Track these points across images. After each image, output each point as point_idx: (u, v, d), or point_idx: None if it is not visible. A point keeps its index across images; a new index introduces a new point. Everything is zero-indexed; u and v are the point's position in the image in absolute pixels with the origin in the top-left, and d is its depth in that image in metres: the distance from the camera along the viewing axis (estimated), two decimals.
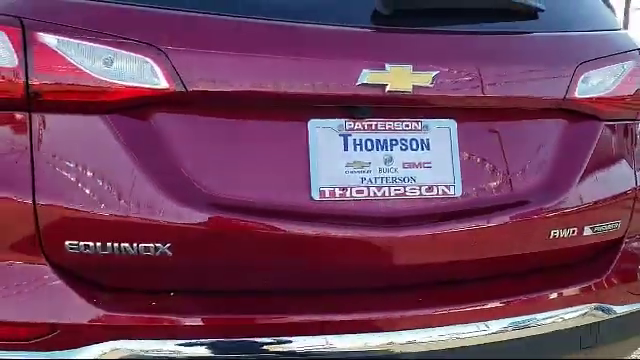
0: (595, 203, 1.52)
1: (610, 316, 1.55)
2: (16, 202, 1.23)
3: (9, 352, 1.25)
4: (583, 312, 1.52)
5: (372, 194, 1.36)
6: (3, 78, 1.22)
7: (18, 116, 1.23)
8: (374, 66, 1.30)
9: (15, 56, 1.21)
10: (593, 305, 1.53)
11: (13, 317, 1.25)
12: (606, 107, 1.55)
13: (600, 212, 1.54)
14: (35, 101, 1.22)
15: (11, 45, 1.21)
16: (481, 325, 1.40)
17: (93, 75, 1.22)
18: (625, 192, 1.59)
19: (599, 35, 1.60)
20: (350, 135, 1.36)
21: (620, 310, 1.56)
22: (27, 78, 1.21)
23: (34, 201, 1.23)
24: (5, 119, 1.24)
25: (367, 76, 1.30)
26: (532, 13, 1.50)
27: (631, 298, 1.60)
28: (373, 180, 1.36)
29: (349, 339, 1.30)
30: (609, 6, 1.68)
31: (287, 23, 1.32)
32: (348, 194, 1.34)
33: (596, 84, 1.52)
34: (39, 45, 1.21)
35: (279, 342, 1.28)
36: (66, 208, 1.24)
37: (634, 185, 1.61)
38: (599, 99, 1.53)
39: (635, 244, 1.66)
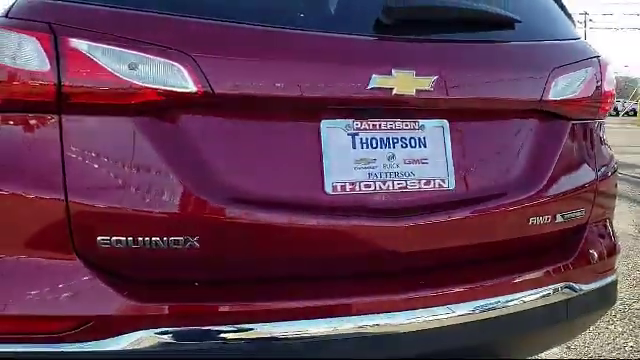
0: (565, 193, 1.70)
1: (578, 293, 1.74)
2: (49, 200, 1.28)
3: (43, 345, 1.29)
4: (555, 290, 1.69)
5: (378, 188, 1.48)
6: (35, 82, 1.26)
7: (50, 118, 1.28)
8: (382, 71, 1.43)
9: (47, 61, 1.26)
10: (563, 284, 1.71)
11: (46, 311, 1.29)
12: (573, 108, 1.74)
13: (569, 201, 1.72)
14: (66, 103, 1.27)
15: (42, 50, 1.26)
16: (471, 303, 1.55)
17: (123, 78, 1.29)
18: (588, 183, 1.78)
19: (566, 44, 1.79)
20: (357, 134, 1.48)
21: (586, 288, 1.76)
22: (59, 82, 1.26)
23: (66, 199, 1.28)
24: (37, 121, 1.29)
25: (376, 81, 1.43)
26: (510, 24, 1.67)
27: (594, 276, 1.80)
28: (378, 175, 1.48)
29: (364, 320, 1.42)
30: (570, 18, 1.88)
31: (305, 32, 1.43)
32: (357, 188, 1.46)
33: (565, 87, 1.71)
34: (71, 50, 1.27)
35: (302, 325, 1.39)
36: (99, 206, 1.29)
37: (595, 177, 1.80)
38: (568, 101, 1.71)
39: (595, 229, 1.85)
